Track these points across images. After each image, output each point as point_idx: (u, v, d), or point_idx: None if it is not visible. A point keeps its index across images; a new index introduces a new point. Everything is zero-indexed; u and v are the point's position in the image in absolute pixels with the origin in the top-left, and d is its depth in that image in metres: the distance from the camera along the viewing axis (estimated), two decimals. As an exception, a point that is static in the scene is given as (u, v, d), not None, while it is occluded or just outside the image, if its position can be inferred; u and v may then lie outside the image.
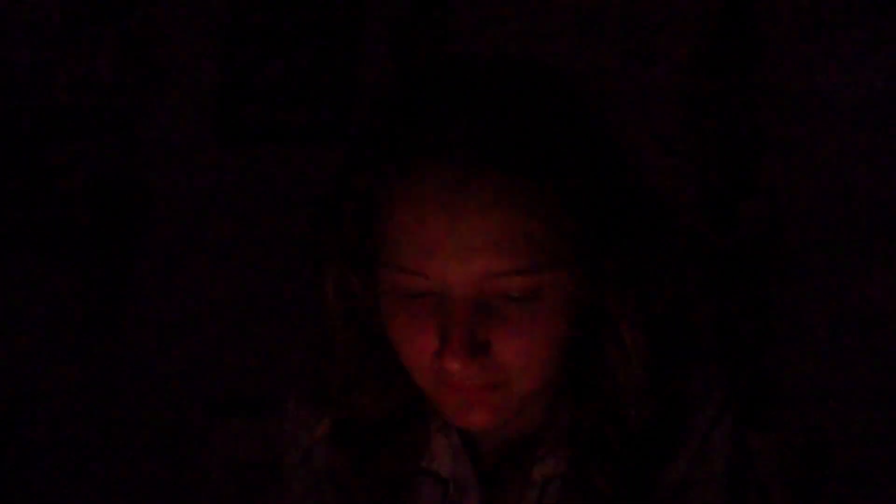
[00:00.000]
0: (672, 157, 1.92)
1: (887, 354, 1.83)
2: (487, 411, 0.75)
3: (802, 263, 1.89)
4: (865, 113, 1.90)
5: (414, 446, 0.83)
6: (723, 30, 1.98)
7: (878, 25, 1.91)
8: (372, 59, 2.26)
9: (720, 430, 0.82)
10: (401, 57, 2.21)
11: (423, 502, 0.83)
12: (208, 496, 2.18)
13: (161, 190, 2.37)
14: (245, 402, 2.18)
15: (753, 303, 1.91)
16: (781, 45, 1.95)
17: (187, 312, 2.29)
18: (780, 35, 1.95)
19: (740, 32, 1.97)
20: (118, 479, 2.29)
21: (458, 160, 0.71)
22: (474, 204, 0.70)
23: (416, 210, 0.71)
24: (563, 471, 0.81)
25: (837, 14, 1.92)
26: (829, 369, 1.85)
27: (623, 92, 1.96)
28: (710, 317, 1.88)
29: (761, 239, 1.91)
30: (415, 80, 0.79)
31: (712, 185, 1.93)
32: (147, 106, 2.41)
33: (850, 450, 1.80)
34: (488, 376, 0.74)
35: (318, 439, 0.86)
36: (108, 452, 2.31)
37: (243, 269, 2.27)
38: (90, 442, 2.32)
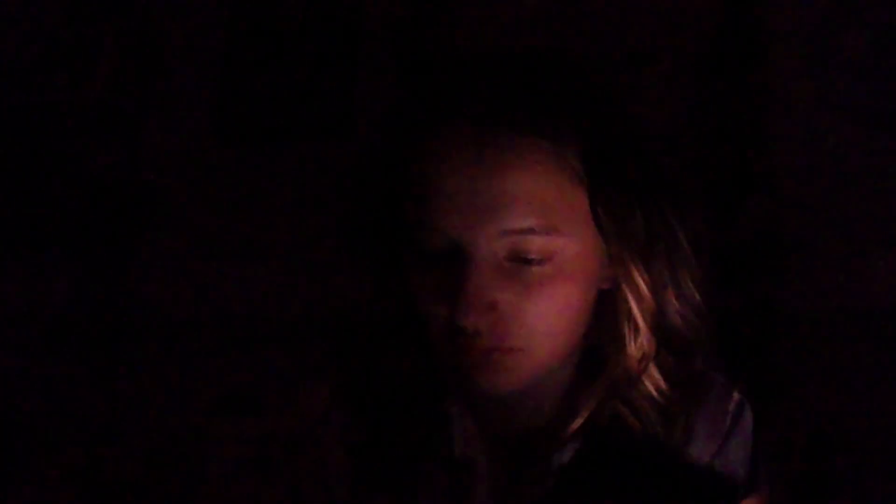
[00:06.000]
0: (673, 156, 1.92)
1: (889, 351, 1.83)
2: (505, 374, 0.77)
3: (804, 261, 1.89)
4: (867, 111, 1.90)
5: (429, 428, 0.85)
6: (724, 29, 1.98)
7: (879, 24, 1.91)
8: (372, 59, 2.26)
9: (741, 430, 0.85)
10: (401, 57, 2.21)
11: (434, 483, 0.84)
12: (208, 496, 2.18)
13: (161, 190, 2.37)
14: (245, 401, 2.18)
15: (754, 301, 1.91)
16: (783, 43, 1.96)
17: (187, 311, 2.29)
18: (782, 34, 1.96)
19: (741, 32, 1.97)
20: (117, 478, 2.28)
21: (478, 122, 0.75)
22: (492, 163, 0.74)
23: (437, 168, 0.76)
24: (580, 459, 0.82)
25: (839, 13, 1.93)
26: (830, 367, 1.85)
27: (624, 91, 1.97)
28: (713, 324, 1.88)
29: (763, 237, 1.91)
30: (436, 64, 0.87)
31: (714, 184, 1.93)
32: (147, 106, 2.41)
33: (852, 447, 1.80)
34: (501, 336, 0.76)
35: (328, 407, 0.88)
36: (108, 452, 2.30)
37: (243, 269, 2.27)
38: (89, 441, 2.31)
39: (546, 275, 0.76)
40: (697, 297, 0.82)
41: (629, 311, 0.80)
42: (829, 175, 1.90)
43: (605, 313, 0.82)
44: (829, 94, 1.92)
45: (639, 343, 0.80)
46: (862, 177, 1.88)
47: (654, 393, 0.82)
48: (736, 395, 0.86)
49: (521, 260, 0.76)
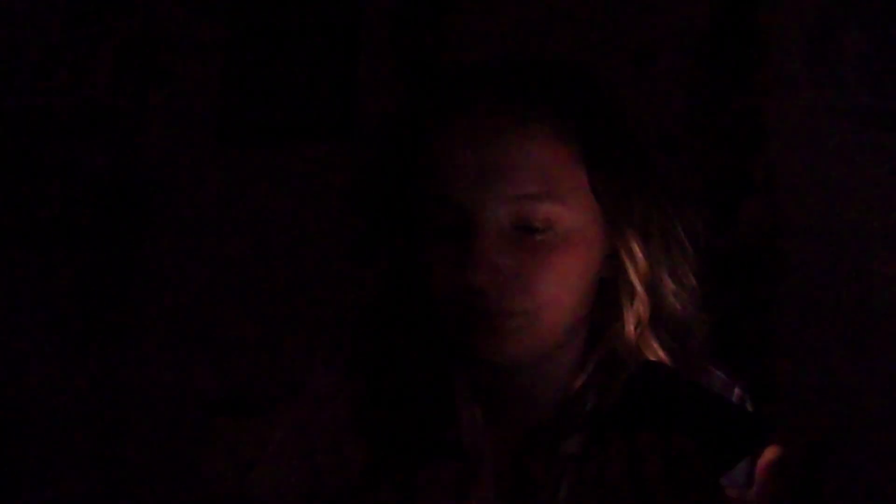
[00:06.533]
0: (672, 157, 1.92)
1: (888, 354, 1.83)
2: (510, 341, 0.81)
3: (802, 263, 1.89)
4: (867, 111, 1.90)
5: (438, 417, 0.88)
6: (723, 29, 1.98)
7: (879, 24, 1.91)
8: (372, 59, 2.26)
9: None
10: (401, 57, 2.21)
11: (441, 471, 0.87)
12: (209, 496, 2.18)
13: (161, 190, 2.37)
14: (245, 401, 2.19)
15: (753, 303, 1.91)
16: (783, 43, 1.95)
17: (188, 312, 2.30)
18: (782, 34, 1.96)
19: (741, 31, 1.97)
20: (118, 478, 2.29)
21: (490, 102, 0.83)
22: (501, 136, 0.82)
23: (452, 144, 0.83)
24: (586, 449, 0.85)
25: (839, 13, 1.93)
26: (829, 369, 1.85)
27: (623, 92, 1.96)
28: (711, 317, 1.88)
29: (761, 238, 1.91)
30: (449, 65, 0.95)
31: (712, 184, 1.93)
32: (147, 106, 2.41)
33: (850, 450, 1.80)
34: (507, 299, 0.80)
35: (339, 389, 0.91)
36: (108, 452, 2.30)
37: (244, 268, 2.27)
38: (90, 441, 2.31)
39: (548, 243, 0.81)
40: (692, 279, 0.86)
41: (626, 275, 0.85)
42: (829, 175, 1.90)
43: (606, 303, 0.87)
44: (829, 94, 1.92)
45: (635, 308, 0.85)
46: (862, 177, 1.88)
47: None
48: (737, 391, 0.89)
49: (525, 228, 0.81)
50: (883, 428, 1.81)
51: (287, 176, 2.29)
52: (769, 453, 0.68)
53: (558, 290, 0.82)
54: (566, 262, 0.82)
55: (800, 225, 1.90)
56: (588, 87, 0.87)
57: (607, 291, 0.87)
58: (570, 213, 0.82)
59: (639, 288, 0.85)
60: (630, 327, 0.85)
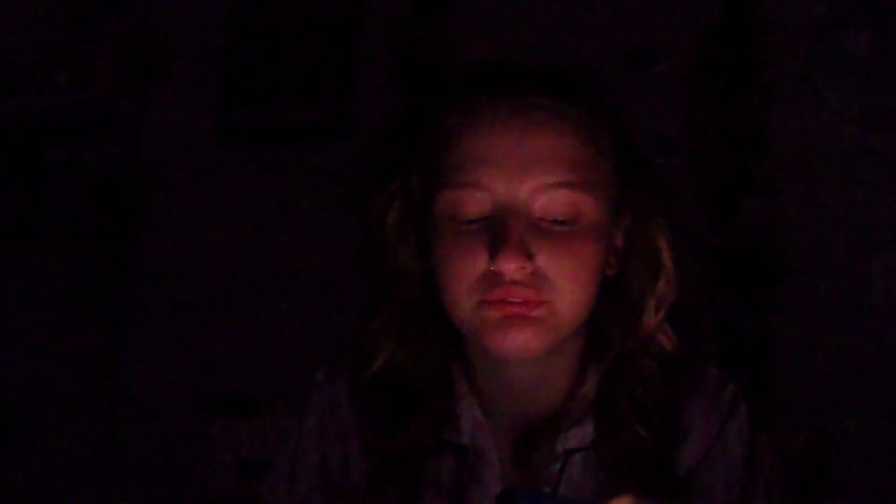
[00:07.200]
0: (672, 157, 1.93)
1: (887, 354, 1.83)
2: (529, 331, 0.82)
3: (802, 263, 1.89)
4: (867, 111, 1.90)
5: (439, 417, 0.89)
6: (724, 29, 1.98)
7: (879, 24, 1.91)
8: (372, 59, 2.26)
9: (737, 417, 0.89)
10: (401, 57, 2.21)
11: (444, 469, 0.88)
12: (209, 496, 2.18)
13: (161, 190, 2.37)
14: (245, 401, 2.19)
15: (753, 303, 1.91)
16: (783, 43, 1.96)
17: (188, 312, 2.30)
18: (782, 34, 1.96)
19: (741, 32, 1.97)
20: (119, 478, 2.29)
21: (516, 92, 0.86)
22: (528, 126, 0.85)
23: (479, 133, 0.86)
24: (586, 444, 0.86)
25: (839, 13, 1.93)
26: (829, 369, 1.85)
27: (623, 92, 1.96)
28: (711, 317, 1.88)
29: (761, 239, 1.91)
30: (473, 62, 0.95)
31: (712, 185, 1.93)
32: (147, 106, 2.42)
33: (850, 450, 1.80)
34: (534, 286, 0.82)
35: (343, 399, 0.92)
36: (110, 451, 2.31)
37: (243, 268, 2.27)
38: (91, 440, 2.32)
39: (572, 234, 0.84)
40: (697, 269, 0.87)
41: (655, 252, 0.87)
42: (829, 176, 1.90)
43: (606, 301, 0.88)
44: (829, 94, 1.92)
45: (658, 289, 0.87)
46: (862, 177, 1.88)
47: (658, 368, 0.87)
48: (731, 387, 0.90)
49: (551, 220, 0.84)
50: (883, 428, 1.81)
51: (287, 176, 2.29)
52: None
53: (578, 283, 0.83)
54: (587, 255, 0.84)
55: (800, 225, 1.91)
56: (605, 86, 0.90)
57: (607, 290, 0.88)
58: (594, 204, 0.84)
59: (668, 264, 0.87)
60: (651, 311, 0.87)
